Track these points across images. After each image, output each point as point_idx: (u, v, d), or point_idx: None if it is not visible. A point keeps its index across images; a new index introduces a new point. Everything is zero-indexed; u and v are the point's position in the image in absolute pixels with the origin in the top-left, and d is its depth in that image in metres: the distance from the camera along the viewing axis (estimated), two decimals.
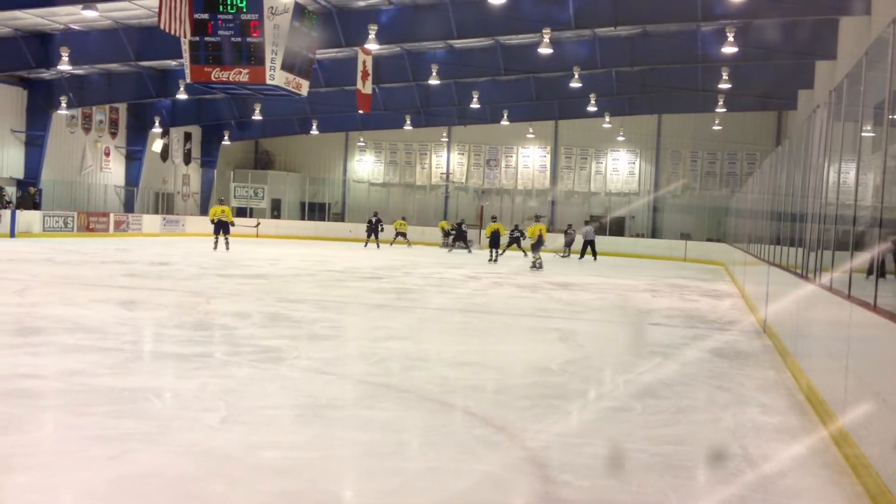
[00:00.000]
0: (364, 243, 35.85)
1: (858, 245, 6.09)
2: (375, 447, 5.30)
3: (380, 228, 35.62)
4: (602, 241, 37.71)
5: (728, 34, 22.03)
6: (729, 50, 22.39)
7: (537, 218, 31.82)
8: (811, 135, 8.80)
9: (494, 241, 28.82)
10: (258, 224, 35.34)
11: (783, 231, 11.44)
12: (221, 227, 26.39)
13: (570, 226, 35.43)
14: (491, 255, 28.53)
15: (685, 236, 39.21)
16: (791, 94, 29.76)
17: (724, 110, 34.03)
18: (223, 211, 26.61)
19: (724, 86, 27.28)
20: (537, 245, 24.50)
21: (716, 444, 5.71)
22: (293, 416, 6.06)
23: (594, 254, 32.39)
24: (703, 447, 5.70)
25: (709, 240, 37.77)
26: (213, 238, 26.90)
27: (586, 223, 35.01)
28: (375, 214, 36.92)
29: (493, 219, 30.82)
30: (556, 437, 5.71)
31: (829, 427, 5.96)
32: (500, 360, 8.75)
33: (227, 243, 26.46)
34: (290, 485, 4.53)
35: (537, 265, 24.42)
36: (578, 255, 32.61)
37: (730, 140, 40.22)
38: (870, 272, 5.75)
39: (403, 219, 38.59)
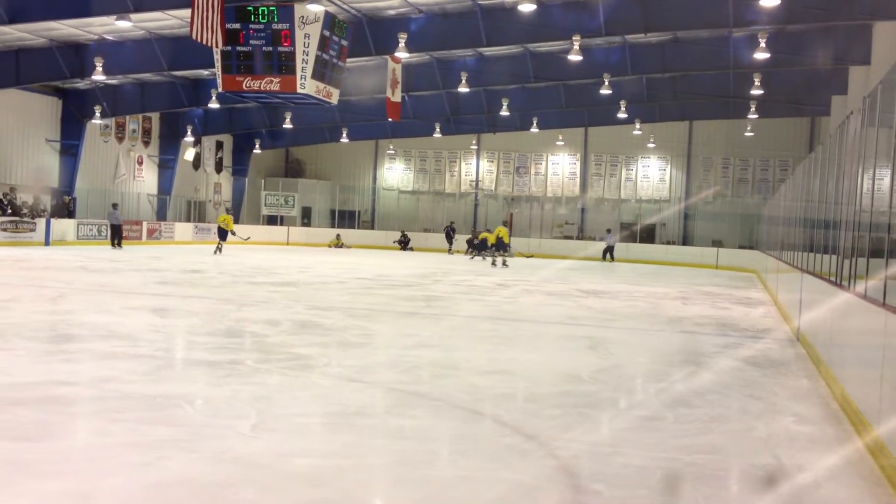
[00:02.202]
0: (448, 251, 39.26)
1: (894, 252, 6.01)
2: (406, 455, 5.30)
3: (453, 237, 39.62)
4: (633, 249, 37.78)
5: (760, 40, 21.88)
6: (761, 56, 22.23)
7: (504, 223, 35.05)
8: (845, 141, 8.71)
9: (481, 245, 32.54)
10: (248, 238, 35.95)
11: (816, 238, 11.33)
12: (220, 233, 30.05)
13: (608, 230, 37.84)
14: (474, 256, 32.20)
15: (717, 244, 38.91)
16: (824, 101, 29.49)
17: (756, 117, 33.76)
18: (224, 220, 30.37)
19: (756, 92, 27.08)
20: (499, 246, 29.46)
21: (749, 454, 5.66)
22: (324, 423, 6.07)
23: (611, 257, 35.84)
24: (737, 457, 5.64)
25: (741, 247, 37.50)
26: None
27: (608, 231, 37.76)
28: (451, 223, 40.86)
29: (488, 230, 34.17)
30: (587, 446, 5.67)
31: (865, 437, 5.88)
32: (530, 369, 8.72)
33: (217, 247, 29.69)
34: (321, 493, 4.54)
35: (497, 263, 28.82)
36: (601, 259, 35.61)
37: (762, 147, 39.89)
38: None
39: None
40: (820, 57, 23.19)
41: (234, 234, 30.21)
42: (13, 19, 21.82)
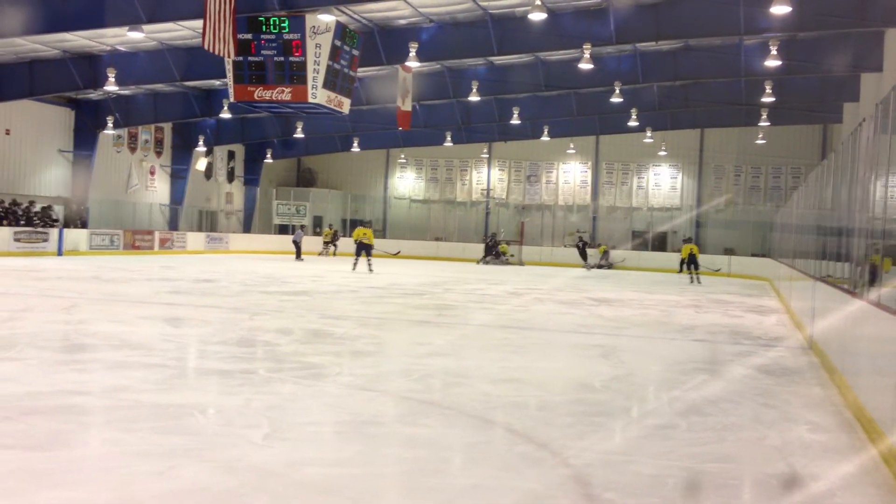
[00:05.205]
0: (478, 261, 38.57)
1: None
2: (418, 464, 5.30)
3: (496, 247, 39.00)
4: (644, 257, 37.61)
5: (771, 47, 21.84)
6: (772, 63, 22.19)
7: (689, 239, 32.63)
8: (857, 148, 8.68)
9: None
10: (398, 252, 38.41)
11: (829, 246, 11.28)
12: (363, 249, 26.61)
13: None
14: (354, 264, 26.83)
15: (729, 251, 38.81)
16: (836, 108, 29.42)
17: (768, 124, 33.68)
18: (365, 234, 26.91)
19: (767, 99, 27.01)
20: (692, 262, 28.40)
21: (762, 463, 5.63)
22: (336, 432, 6.08)
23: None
24: (750, 465, 5.62)
25: (753, 255, 37.34)
26: (353, 258, 27.21)
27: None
28: (496, 234, 40.99)
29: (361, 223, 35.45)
30: (599, 454, 5.66)
31: (879, 445, 5.85)
32: (542, 377, 8.70)
33: (369, 264, 26.57)
34: (333, 501, 4.55)
35: (696, 281, 28.24)
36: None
37: (774, 154, 39.79)
38: None
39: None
40: (832, 64, 23.11)
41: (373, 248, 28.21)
42: (26, 31, 21.94)
